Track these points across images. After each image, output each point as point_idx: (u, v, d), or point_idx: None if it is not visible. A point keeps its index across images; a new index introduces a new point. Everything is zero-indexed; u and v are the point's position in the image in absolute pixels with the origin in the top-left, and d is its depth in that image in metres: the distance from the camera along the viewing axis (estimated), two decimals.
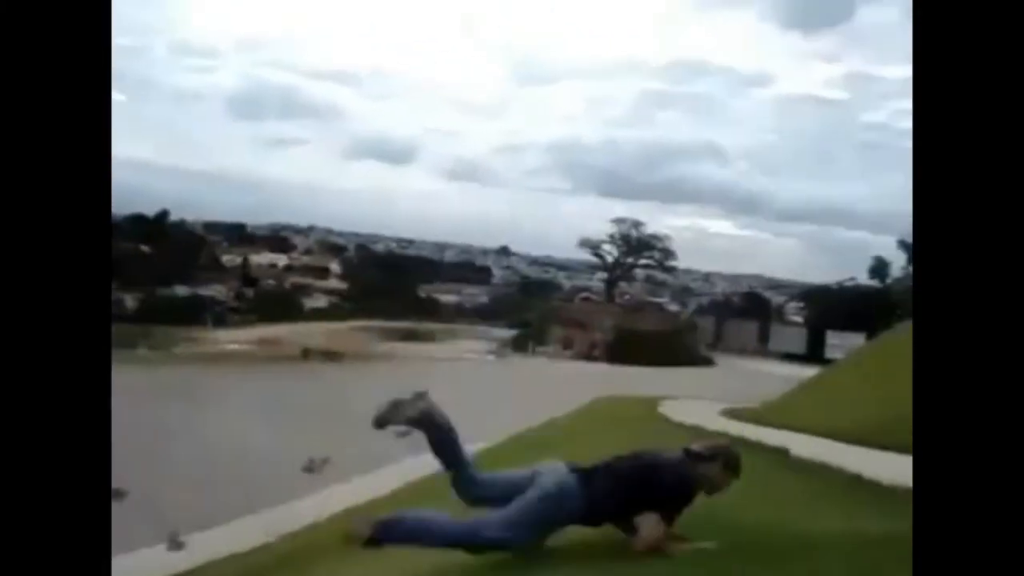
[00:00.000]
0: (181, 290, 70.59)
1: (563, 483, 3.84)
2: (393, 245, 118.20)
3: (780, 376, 29.45)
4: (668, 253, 73.99)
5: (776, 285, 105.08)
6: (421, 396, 3.99)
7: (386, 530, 3.93)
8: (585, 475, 3.90)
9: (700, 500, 3.94)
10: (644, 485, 3.83)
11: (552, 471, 3.91)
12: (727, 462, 4.02)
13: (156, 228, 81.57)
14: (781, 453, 8.36)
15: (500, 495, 3.92)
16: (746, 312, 71.96)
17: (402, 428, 4.05)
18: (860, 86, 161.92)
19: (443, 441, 4.01)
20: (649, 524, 3.75)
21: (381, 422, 3.94)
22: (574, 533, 4.07)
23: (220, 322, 64.23)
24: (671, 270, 79.91)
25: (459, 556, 4.06)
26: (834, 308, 57.82)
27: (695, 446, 4.04)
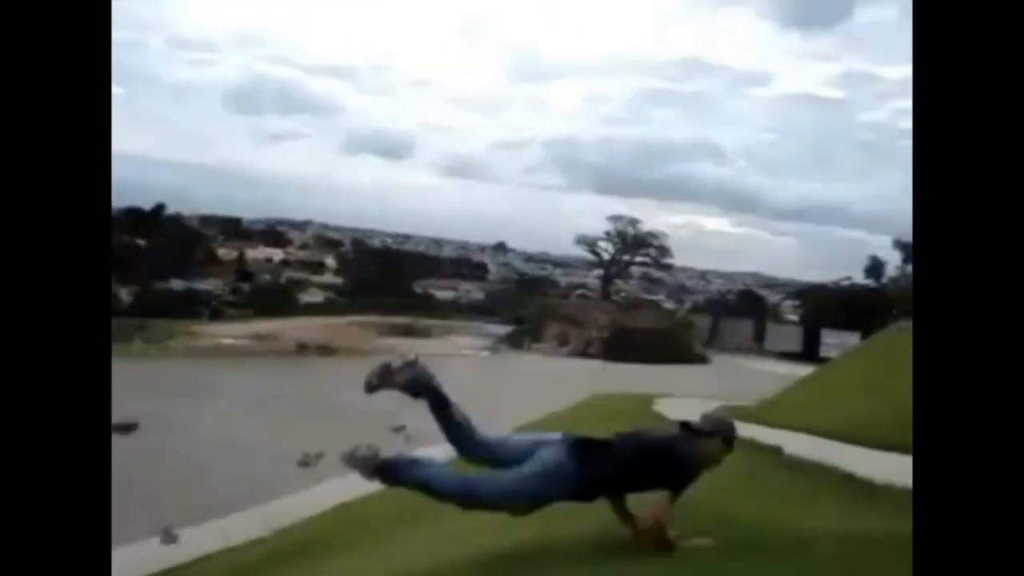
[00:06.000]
0: (177, 284, 70.33)
1: (561, 463, 3.77)
2: (389, 240, 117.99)
3: (775, 374, 29.46)
4: (664, 251, 73.86)
5: (772, 283, 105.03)
6: (411, 363, 3.97)
7: (389, 468, 3.97)
8: (586, 452, 3.82)
9: (694, 497, 3.96)
10: (648, 462, 3.78)
11: (553, 448, 3.83)
12: (725, 435, 3.97)
13: (152, 222, 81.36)
14: (775, 451, 8.39)
15: (501, 457, 3.90)
16: (742, 310, 71.84)
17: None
18: (858, 86, 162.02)
19: (437, 404, 3.97)
20: (658, 501, 3.70)
21: (372, 387, 3.93)
22: (570, 532, 4.08)
23: (216, 316, 64.06)
24: (667, 268, 79.76)
25: (454, 556, 4.06)
26: (830, 307, 57.82)
27: (693, 421, 3.99)
